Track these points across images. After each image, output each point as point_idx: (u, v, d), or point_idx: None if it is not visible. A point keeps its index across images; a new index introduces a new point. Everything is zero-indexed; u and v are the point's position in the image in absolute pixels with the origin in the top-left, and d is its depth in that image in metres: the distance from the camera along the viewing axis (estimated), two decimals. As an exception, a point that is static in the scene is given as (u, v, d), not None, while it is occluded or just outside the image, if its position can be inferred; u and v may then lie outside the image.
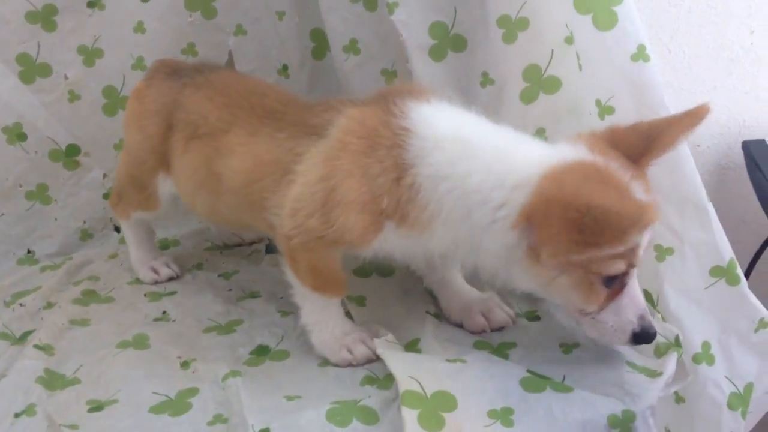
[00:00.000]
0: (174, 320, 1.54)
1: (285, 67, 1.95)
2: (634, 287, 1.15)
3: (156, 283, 1.73)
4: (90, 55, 1.92)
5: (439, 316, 1.41)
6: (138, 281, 1.74)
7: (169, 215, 1.85)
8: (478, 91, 1.47)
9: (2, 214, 1.91)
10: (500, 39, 1.43)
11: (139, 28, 1.91)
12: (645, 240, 1.11)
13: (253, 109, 1.46)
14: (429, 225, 1.19)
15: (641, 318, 1.15)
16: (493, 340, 1.34)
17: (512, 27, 1.41)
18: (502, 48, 1.43)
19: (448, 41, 1.46)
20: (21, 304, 1.63)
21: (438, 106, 1.24)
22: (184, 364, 1.35)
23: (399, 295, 1.49)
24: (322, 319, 1.34)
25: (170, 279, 1.74)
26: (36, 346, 1.42)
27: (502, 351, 1.30)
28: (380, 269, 1.56)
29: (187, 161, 1.54)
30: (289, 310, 1.48)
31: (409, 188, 1.17)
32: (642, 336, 1.15)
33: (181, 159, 1.56)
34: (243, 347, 1.40)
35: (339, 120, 1.26)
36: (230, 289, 1.65)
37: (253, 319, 1.50)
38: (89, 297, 1.67)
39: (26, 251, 1.93)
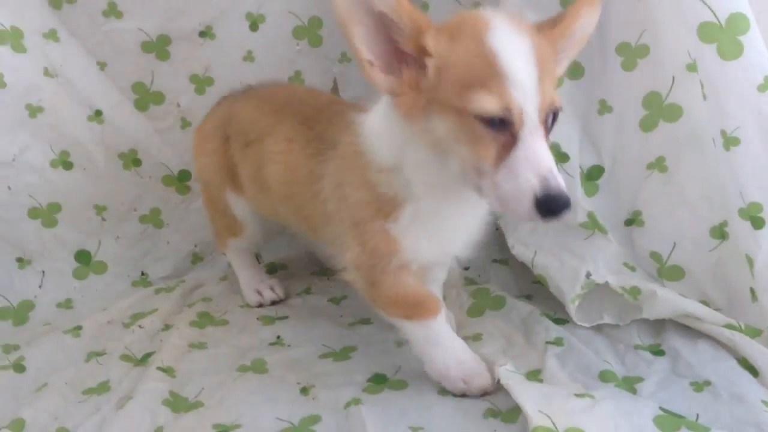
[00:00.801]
0: (289, 345, 1.56)
1: (387, 94, 1.98)
2: (535, 144, 1.03)
3: (260, 305, 1.77)
4: (201, 83, 1.99)
5: (561, 342, 1.39)
6: (248, 305, 1.79)
7: (272, 238, 1.90)
8: (595, 118, 1.45)
9: (118, 237, 1.98)
10: (619, 66, 1.41)
11: (249, 56, 1.96)
12: (517, 72, 1.02)
13: (294, 115, 1.51)
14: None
15: (543, 179, 1.01)
16: (618, 372, 1.32)
17: (632, 54, 1.39)
18: (621, 75, 1.41)
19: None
20: (140, 326, 1.68)
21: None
22: (304, 390, 1.37)
23: (516, 325, 1.48)
24: (430, 347, 1.31)
25: (273, 302, 1.78)
26: (159, 368, 1.47)
27: (629, 384, 1.27)
28: (493, 304, 1.56)
29: (246, 168, 1.61)
30: (405, 339, 1.49)
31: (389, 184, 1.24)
32: (546, 202, 1.00)
33: (242, 168, 1.62)
34: (360, 374, 1.41)
35: (334, 152, 1.34)
36: (341, 315, 1.67)
37: (367, 346, 1.51)
38: (205, 319, 1.72)
39: (140, 273, 1.99)
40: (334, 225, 1.36)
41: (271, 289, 1.81)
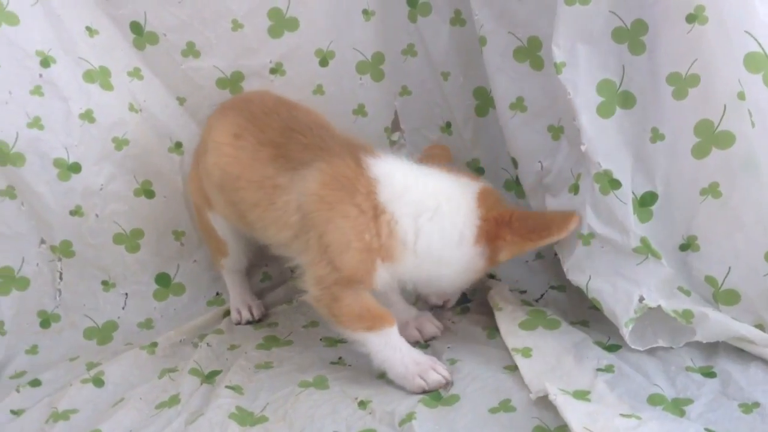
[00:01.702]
0: (350, 365, 1.63)
1: (448, 125, 2.05)
2: None
3: (237, 323, 1.92)
4: (271, 117, 2.10)
5: (612, 369, 1.41)
6: (313, 324, 1.87)
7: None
8: (647, 146, 1.48)
9: (195, 261, 2.10)
10: (670, 95, 1.44)
11: (319, 90, 2.06)
12: None
13: (240, 110, 1.71)
14: (402, 255, 1.48)
15: None
16: (668, 394, 1.33)
17: (683, 84, 1.42)
18: (673, 104, 1.44)
19: (616, 98, 1.48)
20: (208, 344, 1.79)
21: (385, 159, 1.55)
22: (362, 404, 1.44)
23: (567, 347, 1.51)
24: (389, 354, 1.48)
25: (248, 322, 1.93)
26: (227, 387, 1.56)
27: (677, 407, 1.29)
28: (547, 324, 1.59)
29: (203, 169, 1.76)
30: (456, 357, 1.55)
31: (387, 224, 1.46)
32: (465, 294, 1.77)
33: (202, 171, 1.77)
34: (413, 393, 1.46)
35: (311, 171, 1.50)
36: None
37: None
38: (270, 342, 1.81)
39: (215, 293, 2.10)
40: (291, 235, 1.54)
41: (249, 310, 1.94)
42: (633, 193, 1.50)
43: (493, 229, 1.48)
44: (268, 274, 2.15)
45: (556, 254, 1.88)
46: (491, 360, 1.53)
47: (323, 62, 2.04)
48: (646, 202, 1.51)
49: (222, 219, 1.84)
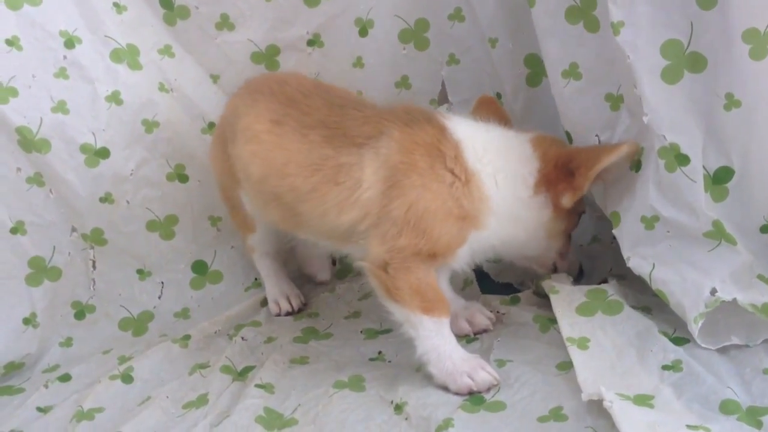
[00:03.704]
0: (389, 361, 1.52)
1: (498, 96, 1.89)
2: None
3: (277, 315, 1.81)
4: (309, 92, 1.98)
5: (679, 366, 1.25)
6: (355, 315, 1.76)
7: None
8: (721, 115, 1.29)
9: (232, 247, 2.01)
10: (747, 55, 1.24)
11: (358, 63, 1.94)
12: None
13: (273, 94, 1.58)
14: (487, 219, 1.40)
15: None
16: (743, 401, 1.16)
17: (761, 41, 1.22)
18: (750, 65, 1.24)
19: (683, 61, 1.29)
20: (243, 338, 1.70)
21: (459, 119, 1.50)
22: (398, 408, 1.32)
23: (630, 338, 1.34)
24: (439, 343, 1.36)
25: (288, 313, 1.81)
26: (258, 386, 1.46)
27: (754, 417, 1.12)
28: (607, 308, 1.42)
29: (235, 157, 1.62)
30: (506, 358, 1.41)
31: (477, 188, 1.39)
32: (581, 269, 1.64)
33: (234, 159, 1.64)
34: (455, 395, 1.33)
35: (386, 141, 1.41)
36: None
37: (467, 363, 1.42)
38: (309, 335, 1.71)
39: (253, 279, 2.01)
40: (358, 215, 1.41)
41: (288, 300, 1.82)
42: (704, 169, 1.32)
43: (552, 171, 1.42)
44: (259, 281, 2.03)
45: (614, 238, 1.73)
46: (542, 359, 1.38)
47: (362, 32, 1.90)
48: (720, 179, 1.32)
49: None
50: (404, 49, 1.92)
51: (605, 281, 1.65)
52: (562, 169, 1.41)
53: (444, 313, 1.38)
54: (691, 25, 1.28)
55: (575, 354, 1.32)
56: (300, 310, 1.84)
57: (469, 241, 1.41)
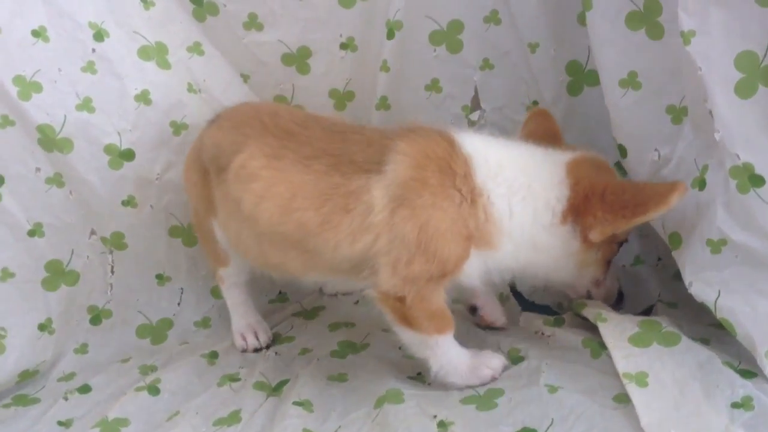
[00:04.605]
0: (429, 384, 1.43)
1: (535, 104, 1.81)
2: None
3: (244, 351, 1.70)
4: (341, 98, 1.91)
5: (750, 404, 1.15)
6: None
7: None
8: (799, 131, 1.20)
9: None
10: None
11: (384, 66, 1.85)
12: None
13: (265, 128, 1.46)
14: (500, 240, 1.33)
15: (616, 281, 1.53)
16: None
17: None
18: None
19: (758, 74, 1.20)
20: (276, 353, 1.63)
21: (466, 134, 1.40)
22: (441, 425, 1.25)
23: (692, 369, 1.25)
24: (452, 355, 1.38)
25: (256, 350, 1.69)
26: (295, 403, 1.39)
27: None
28: (663, 339, 1.33)
29: (221, 196, 1.50)
30: (557, 384, 1.32)
31: (484, 208, 1.32)
32: (621, 294, 1.54)
33: (218, 197, 1.53)
34: (506, 426, 1.24)
35: (394, 157, 1.33)
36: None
37: (516, 390, 1.34)
38: (346, 348, 1.63)
39: (278, 292, 1.94)
40: (371, 239, 1.33)
41: (255, 336, 1.72)
42: (781, 190, 1.23)
43: (582, 202, 1.32)
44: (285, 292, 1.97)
45: (660, 259, 1.64)
46: (597, 390, 1.29)
47: (390, 34, 1.81)
48: (797, 203, 1.23)
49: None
50: (435, 51, 1.83)
51: (651, 308, 1.58)
52: (594, 200, 1.32)
53: (452, 327, 1.38)
54: (769, 36, 1.20)
55: (635, 392, 1.23)
56: (268, 346, 1.72)
57: (482, 259, 1.36)
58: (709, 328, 1.40)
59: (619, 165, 1.59)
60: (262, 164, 1.43)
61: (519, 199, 1.34)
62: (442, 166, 1.33)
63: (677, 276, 1.43)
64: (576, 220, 1.33)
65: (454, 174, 1.32)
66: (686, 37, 1.23)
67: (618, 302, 1.54)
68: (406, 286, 1.31)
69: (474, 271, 1.37)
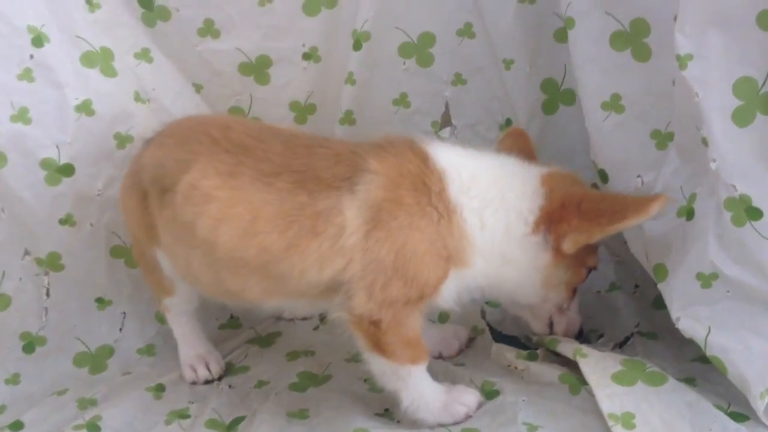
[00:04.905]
0: (398, 422, 1.33)
1: (508, 122, 1.75)
2: None
3: (194, 383, 1.58)
4: (302, 111, 1.81)
5: None
6: (355, 359, 1.55)
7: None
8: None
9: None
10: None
11: (349, 79, 1.75)
12: None
13: (216, 143, 1.35)
14: (472, 257, 1.28)
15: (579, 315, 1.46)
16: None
17: None
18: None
19: (756, 102, 1.14)
20: (230, 386, 1.52)
21: (438, 147, 1.34)
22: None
23: (680, 410, 1.19)
24: (424, 388, 1.31)
25: (207, 382, 1.58)
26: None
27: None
28: (648, 379, 1.27)
29: (166, 221, 1.39)
30: (536, 423, 1.24)
31: (458, 225, 1.26)
32: (581, 331, 1.47)
33: (162, 222, 1.41)
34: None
35: (366, 177, 1.26)
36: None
37: (491, 429, 1.26)
38: (306, 380, 1.53)
39: (229, 316, 1.82)
40: (343, 264, 1.24)
41: (206, 366, 1.59)
42: (779, 226, 1.17)
43: (557, 211, 1.27)
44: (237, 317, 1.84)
45: (637, 286, 1.58)
46: (580, 430, 1.21)
47: (356, 45, 1.72)
48: (796, 238, 1.18)
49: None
50: (404, 64, 1.75)
51: (628, 339, 1.52)
52: (570, 208, 1.26)
53: (426, 358, 1.31)
54: (769, 62, 1.14)
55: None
56: (221, 378, 1.60)
57: (458, 278, 1.29)
58: (693, 365, 1.34)
59: (596, 187, 1.54)
60: (216, 184, 1.31)
61: (491, 211, 1.29)
62: (416, 184, 1.26)
63: (656, 303, 1.40)
64: (549, 228, 1.28)
65: (429, 191, 1.27)
66: (682, 61, 1.17)
67: (578, 337, 1.47)
68: (382, 310, 1.23)
69: (450, 292, 1.30)
